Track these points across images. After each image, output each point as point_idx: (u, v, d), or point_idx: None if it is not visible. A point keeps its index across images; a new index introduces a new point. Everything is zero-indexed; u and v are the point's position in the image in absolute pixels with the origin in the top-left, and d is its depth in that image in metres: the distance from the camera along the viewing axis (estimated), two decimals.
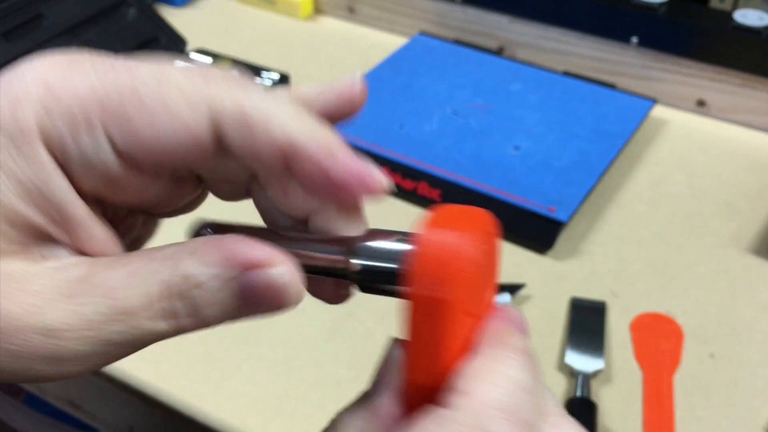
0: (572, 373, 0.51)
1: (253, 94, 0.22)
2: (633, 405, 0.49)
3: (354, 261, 0.23)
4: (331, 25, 0.90)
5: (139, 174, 0.23)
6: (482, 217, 0.21)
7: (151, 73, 0.22)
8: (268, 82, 0.76)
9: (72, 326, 0.21)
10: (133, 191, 0.23)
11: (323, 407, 0.49)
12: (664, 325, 0.54)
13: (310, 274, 0.23)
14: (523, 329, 0.23)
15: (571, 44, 0.78)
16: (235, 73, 0.24)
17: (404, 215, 0.63)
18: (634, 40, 0.74)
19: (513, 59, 0.80)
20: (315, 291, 0.26)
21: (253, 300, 0.22)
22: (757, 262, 0.59)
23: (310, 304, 0.26)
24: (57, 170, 0.21)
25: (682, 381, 0.50)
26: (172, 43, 0.80)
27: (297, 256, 0.23)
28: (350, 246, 0.23)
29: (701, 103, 0.75)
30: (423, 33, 0.84)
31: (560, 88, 0.75)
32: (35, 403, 0.81)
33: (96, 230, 0.23)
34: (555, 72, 0.77)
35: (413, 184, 0.64)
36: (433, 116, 0.71)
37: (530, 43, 0.80)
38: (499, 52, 0.81)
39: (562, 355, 0.52)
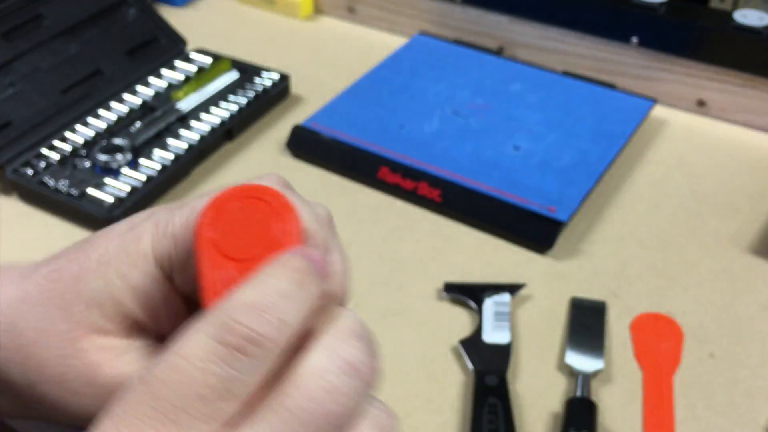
0: (572, 373, 0.51)
1: None
2: (633, 405, 0.49)
3: None
4: (331, 25, 0.90)
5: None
6: (268, 193, 0.26)
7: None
8: (268, 82, 0.76)
9: None
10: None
11: None
12: (664, 325, 0.54)
13: None
14: (310, 258, 0.26)
15: (571, 44, 0.78)
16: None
17: (404, 215, 0.63)
18: (634, 40, 0.74)
19: (513, 59, 0.80)
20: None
21: None
22: (757, 262, 0.59)
23: None
24: (162, 279, 0.29)
25: (682, 381, 0.50)
26: (172, 43, 0.80)
27: None
28: None
29: (701, 103, 0.75)
30: (423, 33, 0.84)
31: (560, 88, 0.75)
32: None
33: (179, 320, 0.29)
34: (555, 72, 0.77)
35: (413, 184, 0.64)
36: (433, 116, 0.71)
37: (530, 43, 0.80)
38: (499, 52, 0.81)
39: (562, 355, 0.52)
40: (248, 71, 0.77)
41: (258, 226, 0.26)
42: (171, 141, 0.69)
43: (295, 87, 0.78)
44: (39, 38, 0.73)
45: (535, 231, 0.60)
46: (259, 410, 0.23)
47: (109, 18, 0.78)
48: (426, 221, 0.63)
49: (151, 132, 0.69)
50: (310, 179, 0.67)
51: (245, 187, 0.26)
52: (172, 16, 0.87)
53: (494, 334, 0.52)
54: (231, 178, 0.68)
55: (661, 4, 0.73)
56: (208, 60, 0.78)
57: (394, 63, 0.79)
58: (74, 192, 0.62)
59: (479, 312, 0.54)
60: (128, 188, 0.63)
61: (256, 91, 0.75)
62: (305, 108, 0.76)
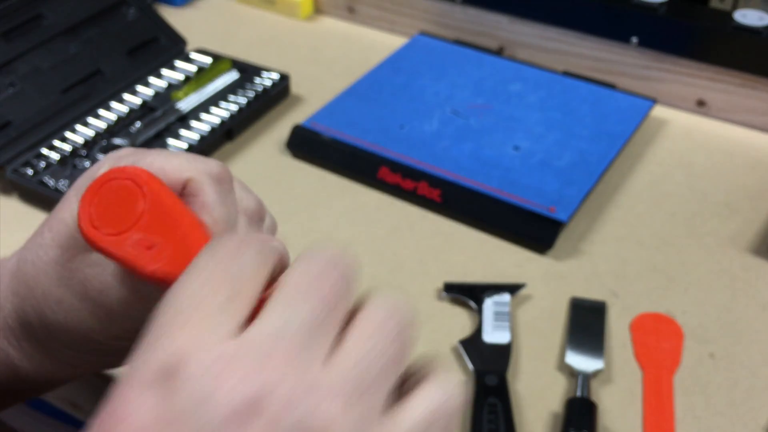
0: (572, 373, 0.51)
1: None
2: (633, 405, 0.49)
3: None
4: (331, 25, 0.90)
5: None
6: (130, 173, 0.30)
7: None
8: (268, 82, 0.76)
9: None
10: None
11: None
12: (664, 325, 0.54)
13: None
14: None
15: (571, 44, 0.78)
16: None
17: (404, 215, 0.63)
18: (634, 40, 0.74)
19: (513, 59, 0.80)
20: None
21: None
22: (757, 262, 0.59)
23: None
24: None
25: (682, 381, 0.50)
26: (172, 43, 0.80)
27: None
28: None
29: (701, 103, 0.75)
30: (423, 33, 0.84)
31: (560, 88, 0.75)
32: (35, 403, 0.81)
33: None
34: (555, 72, 0.77)
35: (413, 184, 0.64)
36: (433, 116, 0.71)
37: (530, 43, 0.80)
38: (499, 52, 0.81)
39: (562, 355, 0.52)
40: (248, 71, 0.77)
41: (126, 204, 0.30)
42: (171, 141, 0.69)
43: (295, 87, 0.78)
44: (39, 38, 0.73)
45: (535, 231, 0.60)
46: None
47: (109, 18, 0.78)
48: (426, 221, 0.63)
49: (151, 132, 0.69)
50: (310, 179, 0.67)
51: (114, 170, 0.30)
52: (172, 16, 0.87)
53: (494, 334, 0.52)
54: None
55: (661, 4, 0.73)
56: (208, 60, 0.78)
57: (394, 63, 0.79)
58: None
59: (479, 312, 0.54)
60: None
61: (256, 91, 0.75)
62: (305, 108, 0.76)
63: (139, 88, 0.74)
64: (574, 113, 0.71)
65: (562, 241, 0.60)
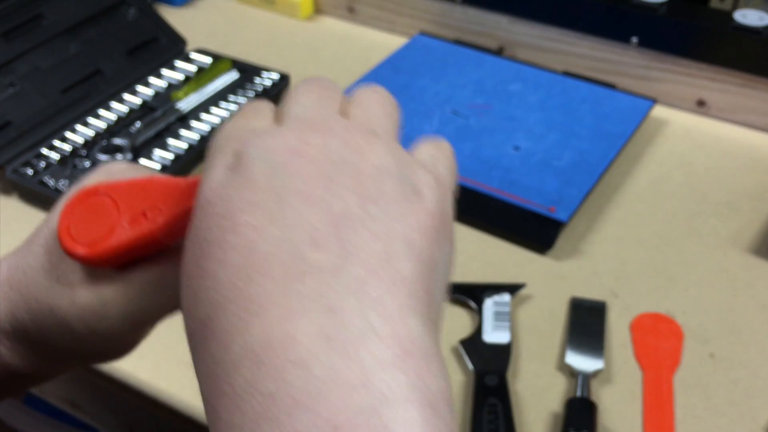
0: (572, 373, 0.51)
1: None
2: (633, 405, 0.49)
3: None
4: (331, 25, 0.90)
5: None
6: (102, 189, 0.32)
7: None
8: (268, 82, 0.76)
9: None
10: None
11: None
12: (664, 325, 0.54)
13: None
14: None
15: (571, 44, 0.78)
16: None
17: None
18: (634, 40, 0.74)
19: (513, 59, 0.80)
20: None
21: None
22: (757, 262, 0.59)
23: None
24: None
25: (682, 381, 0.50)
26: (172, 43, 0.80)
27: None
28: None
29: (701, 103, 0.75)
30: (423, 33, 0.84)
31: (560, 88, 0.75)
32: (35, 403, 0.81)
33: None
34: (555, 72, 0.77)
35: None
36: (433, 116, 0.71)
37: (530, 43, 0.80)
38: (499, 52, 0.81)
39: (562, 355, 0.52)
40: (248, 71, 0.77)
41: (101, 217, 0.31)
42: (171, 141, 0.69)
43: None
44: (39, 38, 0.73)
45: (535, 231, 0.60)
46: None
47: (109, 18, 0.78)
48: None
49: (151, 132, 0.69)
50: None
51: (89, 190, 0.32)
52: (172, 16, 0.87)
53: (494, 334, 0.52)
54: None
55: (661, 4, 0.73)
56: (208, 60, 0.78)
57: (394, 63, 0.79)
58: None
59: (479, 312, 0.54)
60: None
61: (256, 91, 0.75)
62: None
63: (139, 88, 0.74)
64: (574, 113, 0.71)
65: (562, 241, 0.60)
